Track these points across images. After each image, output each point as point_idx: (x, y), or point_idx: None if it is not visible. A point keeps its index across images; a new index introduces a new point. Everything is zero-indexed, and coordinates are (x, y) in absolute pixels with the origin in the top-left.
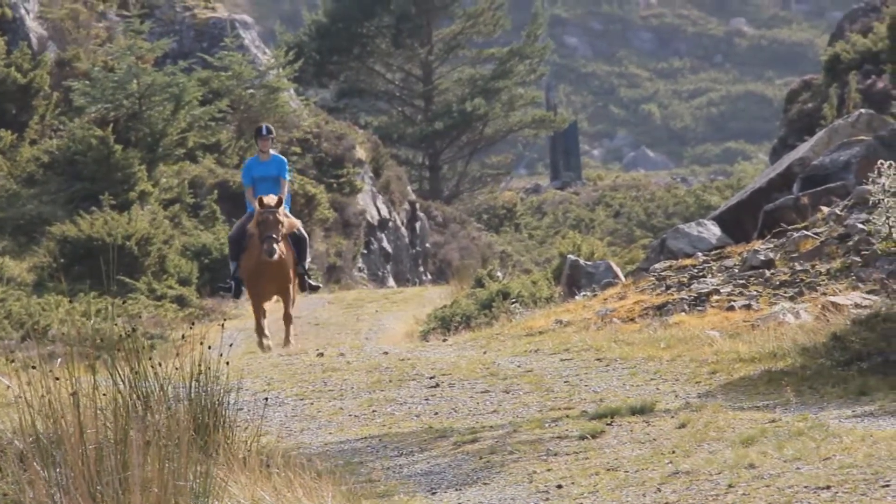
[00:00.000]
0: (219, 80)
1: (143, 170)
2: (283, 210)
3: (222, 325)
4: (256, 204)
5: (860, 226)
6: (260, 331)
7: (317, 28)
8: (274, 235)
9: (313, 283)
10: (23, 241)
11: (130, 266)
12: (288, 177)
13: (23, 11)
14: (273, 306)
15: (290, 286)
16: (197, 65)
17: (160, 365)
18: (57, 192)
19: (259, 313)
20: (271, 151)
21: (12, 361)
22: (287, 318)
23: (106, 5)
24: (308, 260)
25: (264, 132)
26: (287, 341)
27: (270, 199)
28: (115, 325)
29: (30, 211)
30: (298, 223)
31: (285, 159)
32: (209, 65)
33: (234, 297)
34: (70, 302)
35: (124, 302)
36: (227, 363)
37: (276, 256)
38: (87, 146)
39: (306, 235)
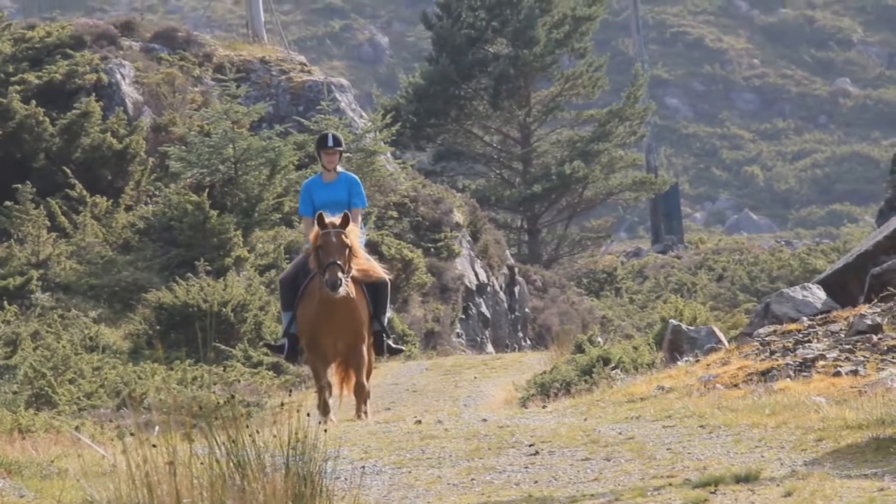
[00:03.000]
0: (313, 142)
1: (239, 235)
2: (355, 236)
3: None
4: (315, 224)
5: None
6: (324, 408)
7: (414, 90)
8: (338, 262)
9: (394, 344)
10: (118, 308)
11: (226, 333)
12: (365, 203)
13: (118, 77)
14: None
15: (363, 343)
16: (293, 128)
17: (258, 432)
18: (152, 259)
19: (321, 380)
20: (339, 168)
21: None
22: (359, 390)
23: (202, 69)
24: (388, 314)
25: (330, 142)
26: (361, 418)
27: (334, 218)
28: (213, 392)
29: (125, 277)
30: (376, 265)
31: (358, 179)
32: (305, 128)
33: (289, 361)
34: (166, 369)
35: (224, 370)
36: (325, 431)
37: (342, 290)
38: (182, 212)
39: (387, 279)
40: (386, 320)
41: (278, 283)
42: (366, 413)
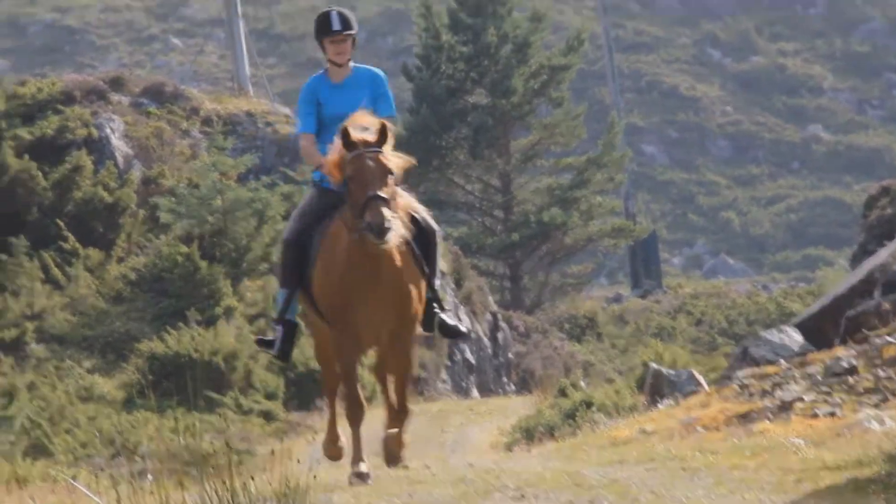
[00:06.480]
0: (301, 194)
1: (229, 285)
2: (397, 159)
3: (313, 438)
4: (337, 140)
5: None
6: (335, 447)
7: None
8: (382, 195)
9: (449, 319)
10: (112, 358)
11: (217, 381)
12: (394, 110)
13: (108, 131)
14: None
15: (414, 329)
16: (279, 179)
17: (252, 479)
18: (144, 309)
19: (351, 381)
20: (351, 65)
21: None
22: (402, 411)
23: (189, 123)
24: (439, 277)
25: (335, 24)
26: (394, 453)
27: (365, 121)
28: (206, 440)
29: (118, 328)
30: (419, 205)
31: (382, 74)
32: (291, 179)
33: (280, 359)
34: (159, 418)
35: (222, 418)
36: (315, 477)
37: (392, 239)
38: (173, 263)
39: (435, 227)
40: (438, 284)
41: (282, 245)
42: (399, 447)
